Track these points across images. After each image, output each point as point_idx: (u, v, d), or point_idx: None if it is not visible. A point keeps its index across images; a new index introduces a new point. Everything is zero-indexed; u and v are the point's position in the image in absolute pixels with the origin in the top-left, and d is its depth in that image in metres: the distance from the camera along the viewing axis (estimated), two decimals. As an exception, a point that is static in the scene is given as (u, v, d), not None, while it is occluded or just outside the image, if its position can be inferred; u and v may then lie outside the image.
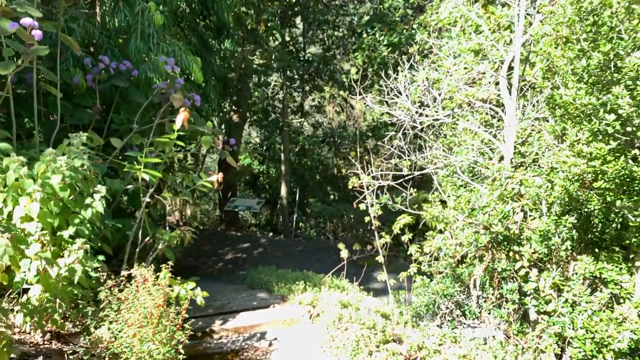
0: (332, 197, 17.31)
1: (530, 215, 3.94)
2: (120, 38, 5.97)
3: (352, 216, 11.56)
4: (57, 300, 2.89)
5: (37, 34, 3.23)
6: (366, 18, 8.74)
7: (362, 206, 5.12)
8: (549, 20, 3.76)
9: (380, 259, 5.19)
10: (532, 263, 3.85)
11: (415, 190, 5.38)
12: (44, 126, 4.75)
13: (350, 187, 4.78)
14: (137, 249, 3.73)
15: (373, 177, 4.85)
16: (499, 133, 4.80)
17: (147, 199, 3.69)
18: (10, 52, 3.50)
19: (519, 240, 3.89)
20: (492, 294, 4.20)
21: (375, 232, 5.22)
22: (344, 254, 5.75)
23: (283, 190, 11.52)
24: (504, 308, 4.08)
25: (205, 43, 7.49)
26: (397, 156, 5.45)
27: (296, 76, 10.03)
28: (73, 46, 4.53)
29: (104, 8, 6.20)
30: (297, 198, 11.48)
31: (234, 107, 13.54)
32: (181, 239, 4.16)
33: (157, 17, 5.52)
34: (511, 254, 3.90)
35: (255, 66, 8.98)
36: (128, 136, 4.80)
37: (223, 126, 13.28)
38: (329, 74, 10.21)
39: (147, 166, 3.96)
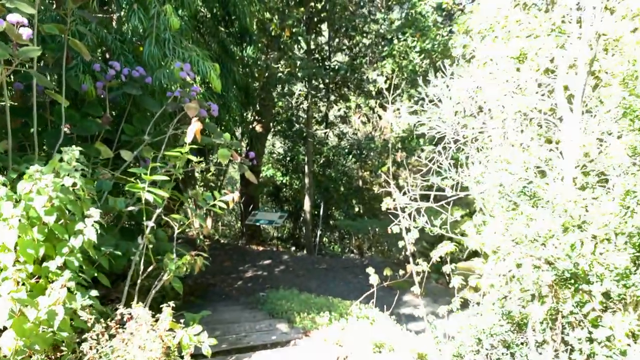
0: (357, 209, 16.69)
1: (600, 247, 3.30)
2: (135, 44, 5.59)
3: (377, 231, 10.96)
4: (35, 350, 2.40)
5: (27, 32, 2.82)
6: (397, 24, 8.20)
7: (396, 229, 4.54)
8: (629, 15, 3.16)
9: (416, 289, 4.58)
10: (604, 306, 3.21)
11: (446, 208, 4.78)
12: (48, 137, 4.35)
13: (384, 209, 4.19)
14: (139, 280, 3.25)
15: (410, 198, 4.26)
16: (556, 149, 4.17)
17: (151, 223, 3.21)
18: (4, 55, 3.11)
19: (588, 278, 3.25)
20: (553, 339, 3.56)
21: (411, 259, 4.62)
22: (374, 279, 5.17)
23: (306, 204, 11.00)
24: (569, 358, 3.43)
25: (227, 50, 7.08)
26: (434, 172, 4.86)
27: (321, 85, 9.54)
28: (82, 51, 4.13)
29: (121, 12, 5.85)
30: (320, 212, 10.94)
31: (256, 117, 13.17)
32: (191, 266, 3.67)
33: (174, 21, 5.12)
34: (579, 293, 3.27)
35: (279, 74, 8.53)
36: (139, 148, 4.36)
37: (245, 137, 12.90)
38: (355, 82, 9.68)
39: (155, 184, 3.50)
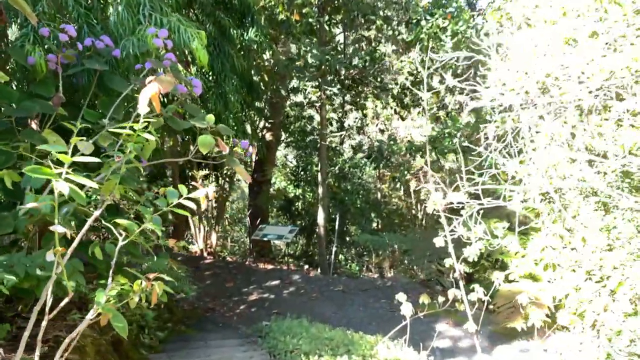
0: (374, 224, 15.36)
1: None
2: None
3: (400, 248, 9.64)
4: None
5: None
6: (424, 2, 7.04)
7: (439, 241, 3.31)
8: None
9: (470, 326, 3.32)
10: None
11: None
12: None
13: (431, 210, 2.97)
14: (45, 319, 2.05)
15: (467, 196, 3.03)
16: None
17: (61, 230, 2.01)
18: None
19: None
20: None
21: (461, 284, 3.38)
22: (407, 310, 3.92)
23: (320, 217, 9.78)
24: None
25: (224, 32, 6.00)
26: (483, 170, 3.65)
27: (335, 79, 8.39)
28: (24, 11, 3.04)
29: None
30: (336, 226, 9.71)
31: (265, 120, 12.08)
32: (147, 296, 2.48)
33: (151, -21, 4.05)
34: None
35: (286, 63, 7.39)
36: (95, 137, 3.23)
37: (252, 142, 11.83)
38: (375, 74, 8.49)
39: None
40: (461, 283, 3.34)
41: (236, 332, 6.07)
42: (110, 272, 2.29)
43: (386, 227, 15.32)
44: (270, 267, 11.67)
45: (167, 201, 2.53)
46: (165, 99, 4.67)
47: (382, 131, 15.16)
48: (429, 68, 4.32)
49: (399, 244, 8.84)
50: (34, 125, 3.81)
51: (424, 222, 14.28)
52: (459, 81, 3.73)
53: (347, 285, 8.30)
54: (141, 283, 2.36)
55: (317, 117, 14.87)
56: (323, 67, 7.88)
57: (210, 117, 3.31)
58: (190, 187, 2.58)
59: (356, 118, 14.09)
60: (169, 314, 6.19)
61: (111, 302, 2.31)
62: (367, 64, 7.98)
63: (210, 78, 5.98)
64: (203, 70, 5.85)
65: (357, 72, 8.46)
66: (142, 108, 2.47)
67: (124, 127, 2.51)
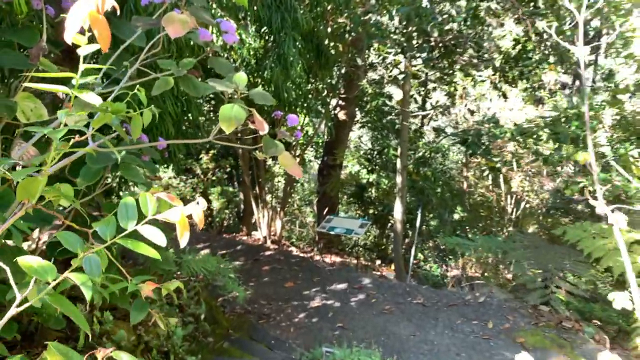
0: (456, 216, 13.54)
1: None
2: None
3: (500, 255, 7.92)
4: None
5: None
6: None
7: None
8: None
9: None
10: None
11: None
12: None
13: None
14: None
15: None
16: None
17: None
18: None
19: None
20: None
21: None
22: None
23: (397, 210, 8.33)
24: None
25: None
26: None
27: (423, 46, 6.73)
28: None
29: None
30: (417, 223, 8.21)
31: (339, 101, 10.72)
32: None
33: None
34: None
35: (362, 19, 5.87)
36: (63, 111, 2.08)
37: (324, 124, 10.58)
38: (476, 40, 6.72)
39: None
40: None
41: (290, 355, 4.91)
42: None
43: (471, 221, 13.52)
44: (337, 259, 10.48)
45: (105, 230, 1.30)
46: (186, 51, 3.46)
47: (471, 112, 13.22)
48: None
49: (496, 250, 7.16)
50: None
51: (512, 215, 12.27)
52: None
53: (429, 298, 6.84)
54: None
55: (396, 95, 13.24)
56: (410, 28, 6.33)
57: (241, 78, 2.00)
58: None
59: (437, 101, 12.30)
60: (213, 324, 5.17)
61: None
62: (468, 23, 6.27)
63: (267, 37, 4.72)
64: (257, 28, 4.61)
65: (452, 37, 6.80)
66: (68, 38, 1.22)
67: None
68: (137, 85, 1.86)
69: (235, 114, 1.80)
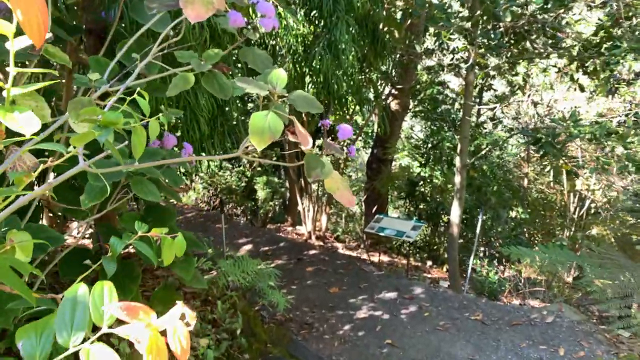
0: (513, 213, 12.52)
1: None
2: None
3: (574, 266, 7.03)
4: None
5: None
6: None
7: None
8: None
9: None
10: None
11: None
12: None
13: None
14: None
15: None
16: None
17: None
18: None
19: None
20: None
21: None
22: None
23: (454, 213, 7.59)
24: None
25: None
26: None
27: (492, 32, 5.91)
28: None
29: None
30: (477, 230, 7.44)
31: (392, 90, 9.98)
32: None
33: None
34: None
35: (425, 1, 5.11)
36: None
37: (376, 114, 9.93)
38: (553, 26, 5.80)
39: None
40: None
41: (333, 379, 4.42)
42: None
43: (530, 222, 12.51)
44: (385, 259, 9.88)
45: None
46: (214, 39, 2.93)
47: (534, 103, 12.07)
48: None
49: (566, 262, 6.30)
50: None
51: (575, 215, 11.12)
52: None
53: (488, 314, 6.13)
54: None
55: (452, 84, 12.30)
56: (478, 12, 5.56)
57: (279, 76, 1.46)
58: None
59: (495, 92, 11.26)
60: (251, 336, 4.76)
61: None
62: (549, 5, 5.39)
63: (316, 22, 4.14)
64: (307, 11, 4.04)
65: (525, 22, 5.93)
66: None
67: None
68: (138, 88, 1.36)
69: (271, 125, 1.28)
